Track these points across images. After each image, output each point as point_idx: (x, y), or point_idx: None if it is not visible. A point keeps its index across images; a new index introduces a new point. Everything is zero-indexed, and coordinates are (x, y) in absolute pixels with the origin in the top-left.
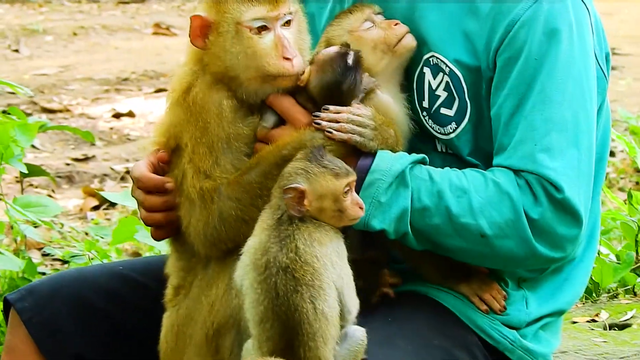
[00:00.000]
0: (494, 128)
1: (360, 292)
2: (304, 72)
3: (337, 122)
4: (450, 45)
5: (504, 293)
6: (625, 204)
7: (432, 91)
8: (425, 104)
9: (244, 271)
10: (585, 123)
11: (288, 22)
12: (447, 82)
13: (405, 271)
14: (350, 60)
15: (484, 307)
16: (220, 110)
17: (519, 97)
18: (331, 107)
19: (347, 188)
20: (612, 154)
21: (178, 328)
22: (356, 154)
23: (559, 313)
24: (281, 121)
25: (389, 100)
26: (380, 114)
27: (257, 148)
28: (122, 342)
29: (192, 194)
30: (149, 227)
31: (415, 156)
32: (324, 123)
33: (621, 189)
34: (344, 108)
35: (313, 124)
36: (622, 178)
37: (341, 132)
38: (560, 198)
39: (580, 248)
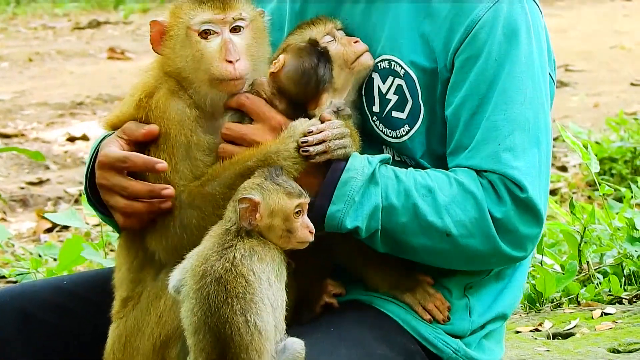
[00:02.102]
0: (449, 128)
1: (304, 301)
2: (246, 76)
3: (323, 141)
4: (406, 47)
5: (448, 304)
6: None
7: (382, 95)
8: (376, 108)
9: (183, 276)
10: (544, 122)
11: (238, 28)
12: (398, 85)
13: (349, 280)
14: (322, 51)
15: (428, 317)
16: (181, 117)
17: (479, 98)
18: (313, 129)
19: (299, 209)
20: (564, 168)
21: (125, 339)
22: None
23: (502, 318)
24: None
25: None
26: None
27: (222, 150)
28: (67, 354)
29: None
30: (119, 215)
31: (382, 156)
32: (311, 149)
33: (570, 204)
34: (323, 126)
35: (301, 153)
36: (574, 192)
37: (326, 152)
38: (524, 197)
39: None
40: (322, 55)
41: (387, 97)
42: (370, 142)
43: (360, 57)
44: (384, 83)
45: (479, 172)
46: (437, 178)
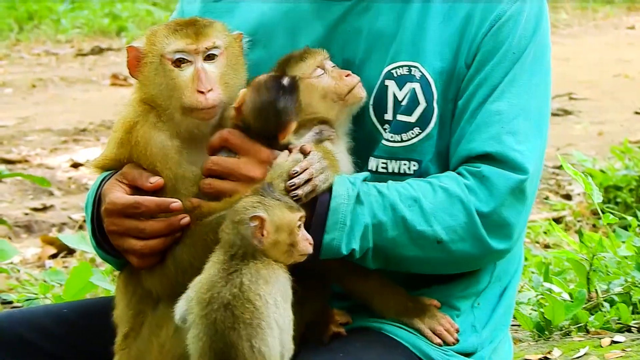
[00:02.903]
0: (456, 118)
1: (311, 330)
2: (219, 105)
3: (309, 179)
4: (425, 51)
5: (456, 325)
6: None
7: (396, 102)
8: (388, 116)
9: (188, 305)
10: (547, 116)
11: (212, 57)
12: (412, 89)
13: (355, 307)
14: (285, 82)
15: (438, 341)
16: (164, 151)
17: (491, 88)
18: (297, 169)
19: (299, 223)
20: (568, 197)
21: None
22: None
23: (504, 325)
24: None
25: (334, 149)
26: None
27: (208, 185)
28: None
29: None
30: (134, 258)
31: (362, 174)
32: (299, 192)
33: (578, 232)
34: (305, 163)
35: (290, 193)
36: (579, 221)
37: (313, 190)
38: (523, 179)
39: (515, 258)
40: (284, 87)
41: (401, 103)
42: (365, 149)
43: (352, 89)
44: (400, 90)
45: (473, 161)
46: (420, 187)
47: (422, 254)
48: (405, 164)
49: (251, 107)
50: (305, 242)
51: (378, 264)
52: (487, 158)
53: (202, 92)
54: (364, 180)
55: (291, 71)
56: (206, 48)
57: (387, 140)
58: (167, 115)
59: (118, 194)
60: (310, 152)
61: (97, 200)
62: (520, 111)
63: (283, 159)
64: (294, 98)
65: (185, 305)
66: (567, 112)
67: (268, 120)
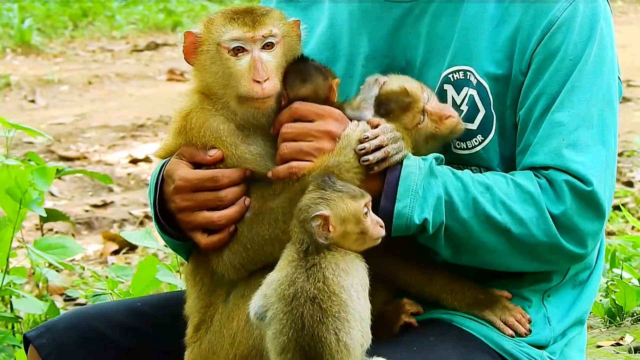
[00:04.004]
0: (520, 128)
1: (382, 321)
2: (275, 94)
3: (380, 147)
4: (479, 56)
5: (528, 316)
6: None
7: (456, 107)
8: None
9: (265, 302)
10: (612, 121)
11: (270, 45)
12: (470, 95)
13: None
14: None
15: (510, 332)
16: (218, 134)
17: (551, 97)
18: (368, 134)
19: (366, 209)
20: (630, 184)
21: None
22: None
23: (580, 323)
24: None
25: None
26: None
27: (281, 150)
28: None
29: None
30: (202, 236)
31: (435, 154)
32: (370, 157)
33: None
34: (377, 130)
35: (361, 162)
36: None
37: (385, 159)
38: (589, 190)
39: (594, 255)
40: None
41: (460, 108)
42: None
43: (454, 128)
44: (458, 94)
45: (539, 170)
46: (493, 177)
47: (491, 242)
48: (475, 170)
49: (289, 82)
50: (375, 226)
51: (450, 248)
52: (551, 169)
53: (258, 82)
54: (438, 161)
55: (395, 119)
56: (263, 36)
57: (455, 147)
58: (223, 104)
59: (187, 170)
60: (379, 124)
61: (160, 183)
62: (582, 121)
63: (352, 129)
64: (319, 62)
65: (262, 301)
66: (626, 99)
67: (312, 80)
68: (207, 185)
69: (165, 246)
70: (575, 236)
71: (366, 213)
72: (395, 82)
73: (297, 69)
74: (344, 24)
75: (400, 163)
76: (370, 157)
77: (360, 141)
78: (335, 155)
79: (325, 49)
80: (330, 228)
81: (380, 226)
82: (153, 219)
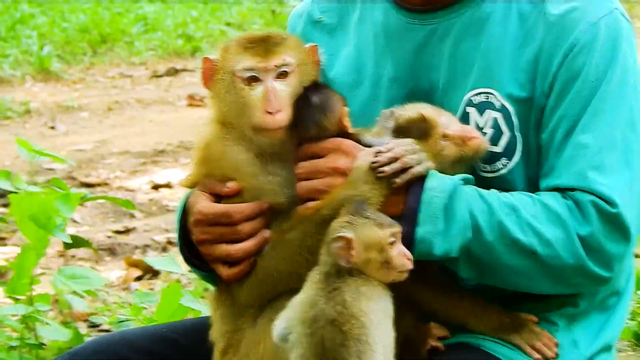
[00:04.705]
0: (544, 151)
1: (409, 346)
2: (287, 125)
3: (396, 159)
4: (501, 79)
5: (555, 340)
6: None
7: (479, 130)
8: None
9: (288, 324)
10: (636, 144)
11: (284, 74)
12: (494, 118)
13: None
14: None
15: (537, 356)
16: (236, 165)
17: (573, 119)
18: (382, 148)
19: (393, 239)
20: None
21: None
22: (404, 186)
23: (608, 348)
24: None
25: None
26: None
27: (300, 188)
28: None
29: None
30: (222, 267)
31: (463, 175)
32: (387, 168)
33: None
34: (391, 145)
35: (376, 174)
36: None
37: (405, 169)
38: (615, 212)
39: (622, 279)
40: (310, 88)
41: (484, 130)
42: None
43: (478, 149)
44: (481, 117)
45: (565, 191)
46: (520, 198)
47: (516, 265)
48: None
49: (294, 120)
50: (401, 259)
51: (472, 271)
52: (577, 190)
53: (270, 113)
54: (466, 181)
55: (426, 148)
56: (276, 66)
57: (480, 170)
58: (239, 133)
59: (205, 204)
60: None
61: (184, 214)
62: (605, 143)
63: (362, 158)
64: (325, 92)
65: (285, 324)
66: None
67: (316, 120)
68: (222, 220)
69: (190, 271)
70: (602, 258)
71: (392, 243)
72: (412, 110)
73: (300, 107)
74: (369, 47)
75: (423, 180)
76: (387, 168)
77: (374, 155)
78: (347, 189)
79: (350, 72)
80: (353, 252)
81: (408, 259)
82: (179, 249)
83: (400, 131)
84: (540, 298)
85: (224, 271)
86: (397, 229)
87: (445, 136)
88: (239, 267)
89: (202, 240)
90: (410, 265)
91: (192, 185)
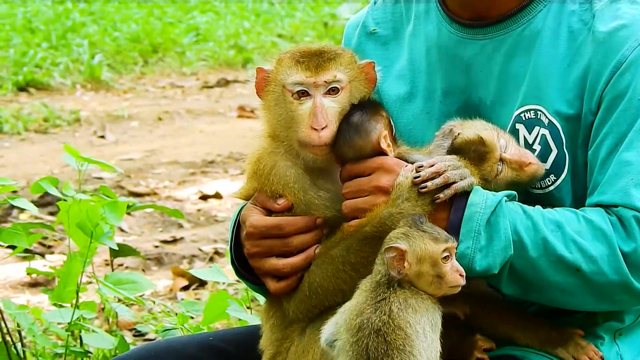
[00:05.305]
0: (589, 168)
1: (455, 357)
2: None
3: (439, 174)
4: (550, 96)
5: (601, 353)
6: None
7: (528, 147)
8: None
9: (336, 330)
10: None
11: (335, 90)
12: (542, 135)
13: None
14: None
15: None
16: (285, 180)
17: (618, 137)
18: (423, 163)
19: (447, 254)
20: None
21: None
22: (448, 201)
23: None
24: None
25: None
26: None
27: (345, 207)
28: None
29: None
30: (271, 281)
31: (507, 192)
32: (429, 183)
33: None
34: (433, 160)
35: (419, 190)
36: None
37: (448, 184)
38: None
39: None
40: (354, 108)
41: (532, 147)
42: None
43: (534, 174)
44: (529, 133)
45: (609, 208)
46: (564, 214)
47: (560, 280)
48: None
49: (335, 139)
50: (454, 274)
51: (514, 287)
52: (620, 207)
53: (315, 130)
54: (511, 198)
55: (473, 170)
56: (325, 82)
57: (528, 187)
58: (288, 147)
59: (257, 217)
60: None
61: (237, 227)
62: None
63: (404, 175)
64: (367, 111)
65: (333, 329)
66: None
67: (353, 142)
68: (273, 233)
69: (238, 281)
70: None
71: (446, 258)
72: (471, 130)
73: (340, 127)
74: (422, 60)
75: (467, 196)
76: (429, 183)
77: (416, 170)
78: (389, 206)
79: (404, 85)
80: (406, 264)
81: (460, 275)
82: (230, 262)
83: (457, 152)
84: (586, 312)
85: (272, 285)
86: (452, 244)
87: (502, 160)
88: (287, 281)
89: (252, 253)
90: (462, 282)
91: (245, 198)
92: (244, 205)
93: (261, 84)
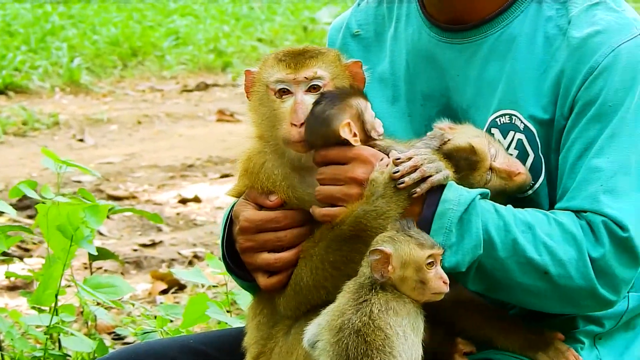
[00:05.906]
0: (560, 173)
1: None
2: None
3: (416, 167)
4: (524, 101)
5: (581, 358)
6: None
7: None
8: None
9: (318, 331)
10: None
11: (317, 87)
12: (519, 139)
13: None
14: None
15: None
16: (273, 179)
17: (588, 142)
18: (401, 156)
19: (431, 260)
20: None
21: None
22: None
23: None
24: None
25: None
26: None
27: (318, 192)
28: None
29: None
30: (262, 276)
31: (481, 190)
32: (407, 179)
33: None
34: (410, 153)
35: (396, 186)
36: None
37: (424, 178)
38: (625, 237)
39: None
40: (319, 99)
41: (508, 152)
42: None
43: (522, 184)
44: (504, 138)
45: (578, 212)
46: (536, 216)
47: (526, 283)
48: None
49: (305, 130)
50: (438, 281)
51: (479, 284)
52: (589, 212)
53: (295, 126)
54: (484, 196)
55: (462, 178)
56: (306, 78)
57: None
58: (275, 146)
59: (251, 211)
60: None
61: (229, 223)
62: (620, 168)
63: (379, 170)
64: (334, 100)
65: (315, 330)
66: None
67: (317, 130)
68: (270, 226)
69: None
70: (610, 282)
71: (430, 264)
72: (462, 138)
73: (307, 118)
74: (402, 63)
75: (440, 191)
76: (407, 178)
77: (395, 164)
78: (363, 204)
79: (386, 88)
80: (390, 268)
81: (444, 282)
82: (221, 257)
83: (446, 157)
84: (566, 316)
85: (263, 280)
86: (437, 251)
87: (491, 169)
88: (278, 277)
89: (245, 248)
90: (446, 289)
91: (237, 196)
92: (236, 202)
93: (249, 85)
